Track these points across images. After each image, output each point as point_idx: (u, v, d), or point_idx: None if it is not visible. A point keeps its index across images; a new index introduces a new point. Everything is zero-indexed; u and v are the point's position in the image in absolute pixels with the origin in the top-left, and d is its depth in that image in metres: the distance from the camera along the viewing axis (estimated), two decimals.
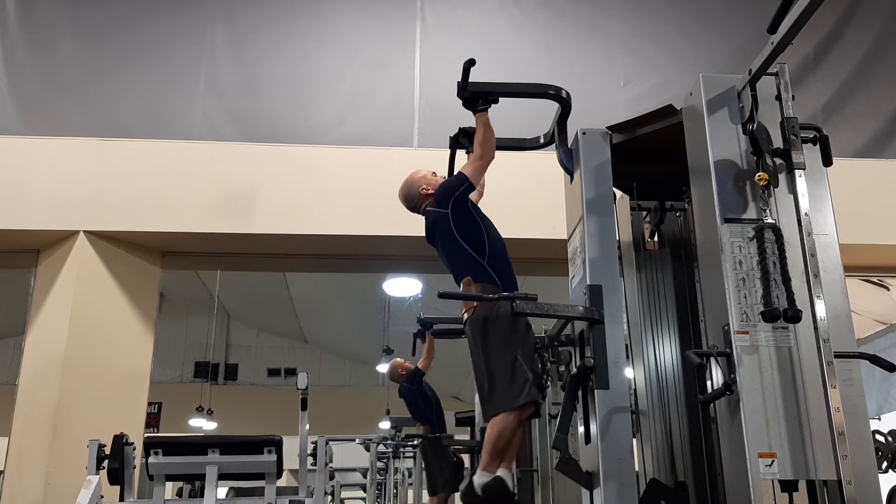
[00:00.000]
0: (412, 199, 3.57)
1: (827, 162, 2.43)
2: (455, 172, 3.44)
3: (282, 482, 4.55)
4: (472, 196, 3.38)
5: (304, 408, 4.40)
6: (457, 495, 5.92)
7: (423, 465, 6.32)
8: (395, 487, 8.91)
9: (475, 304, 3.19)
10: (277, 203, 5.54)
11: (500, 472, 3.06)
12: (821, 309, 2.18)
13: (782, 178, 2.34)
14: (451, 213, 3.26)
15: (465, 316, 3.26)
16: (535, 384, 3.07)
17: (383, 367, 13.10)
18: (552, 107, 3.15)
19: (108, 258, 5.47)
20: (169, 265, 5.89)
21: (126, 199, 5.47)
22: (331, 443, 4.72)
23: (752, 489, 2.05)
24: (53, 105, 5.80)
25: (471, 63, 2.98)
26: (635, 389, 2.73)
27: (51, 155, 5.53)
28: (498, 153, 3.32)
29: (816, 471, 2.10)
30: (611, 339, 2.52)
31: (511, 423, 3.04)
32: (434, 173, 3.57)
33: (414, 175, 3.59)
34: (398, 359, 6.52)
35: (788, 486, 2.14)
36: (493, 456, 3.05)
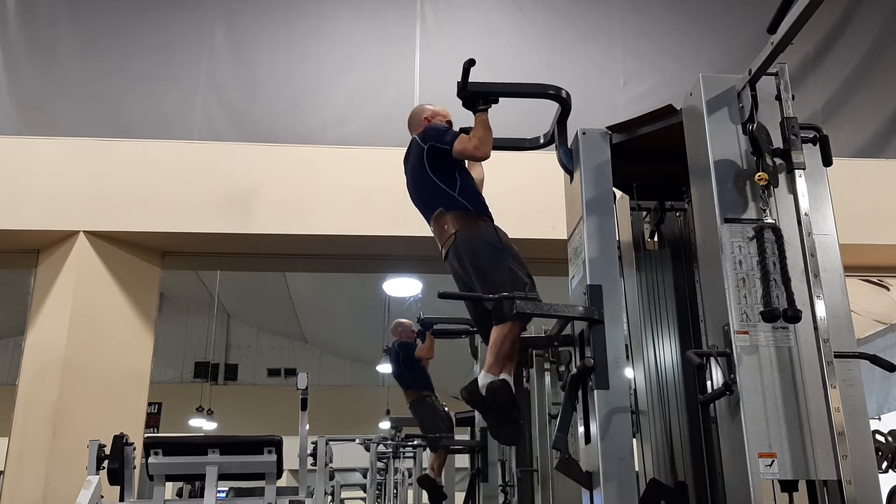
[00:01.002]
0: (414, 121, 3.70)
1: (827, 162, 2.43)
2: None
3: (282, 482, 4.55)
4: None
5: (304, 408, 4.40)
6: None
7: (418, 423, 6.39)
8: (395, 487, 8.91)
9: (454, 231, 3.28)
10: (277, 203, 5.54)
11: (503, 376, 3.10)
12: (821, 309, 2.18)
13: (782, 178, 2.34)
14: (426, 149, 3.38)
15: (444, 248, 3.34)
16: (532, 284, 3.16)
17: (383, 368, 13.10)
18: (552, 107, 3.15)
19: (108, 258, 5.47)
20: (169, 265, 5.89)
21: (126, 199, 5.47)
22: (331, 443, 4.72)
23: (752, 489, 2.05)
24: (53, 105, 5.81)
25: (471, 63, 2.98)
26: (635, 389, 2.73)
27: (50, 155, 5.53)
28: (498, 153, 3.32)
29: (816, 471, 2.10)
30: (611, 339, 2.52)
31: (515, 326, 3.12)
32: (448, 120, 3.64)
33: (427, 105, 3.74)
34: (407, 321, 6.50)
35: (788, 486, 2.13)
36: (497, 358, 3.11)
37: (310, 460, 4.44)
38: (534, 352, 5.04)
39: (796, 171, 2.31)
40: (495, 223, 3.37)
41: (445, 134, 3.38)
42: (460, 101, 3.16)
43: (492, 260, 3.20)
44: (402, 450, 8.37)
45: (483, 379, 3.12)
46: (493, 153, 3.28)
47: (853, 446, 2.08)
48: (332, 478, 8.29)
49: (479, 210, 3.34)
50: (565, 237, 2.94)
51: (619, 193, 3.03)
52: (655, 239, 3.07)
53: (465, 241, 3.26)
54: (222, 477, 3.96)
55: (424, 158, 3.40)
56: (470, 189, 3.39)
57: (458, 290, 3.35)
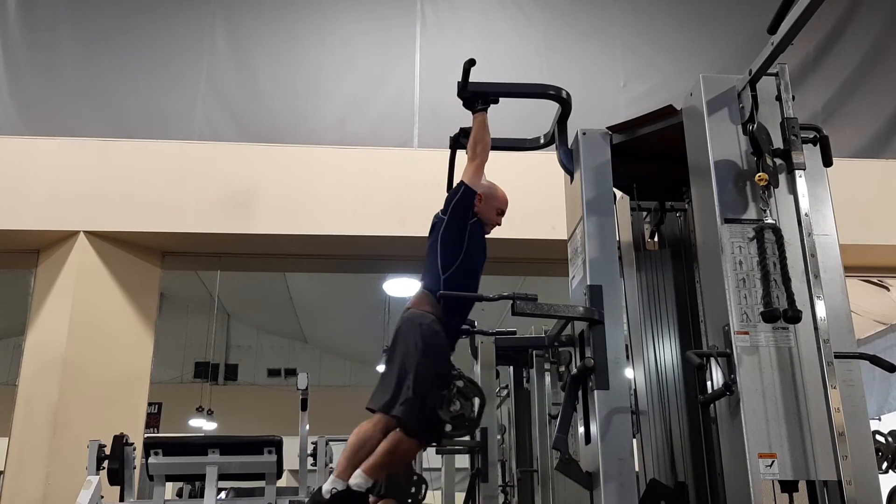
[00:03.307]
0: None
1: (827, 162, 2.43)
2: (454, 172, 3.44)
3: (282, 482, 4.55)
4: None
5: (304, 408, 4.40)
6: None
7: None
8: None
9: (414, 300, 3.26)
10: (277, 203, 5.54)
11: (356, 481, 3.06)
12: (821, 309, 2.18)
13: (782, 178, 2.34)
14: (447, 218, 3.26)
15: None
16: (412, 406, 3.08)
17: (381, 368, 13.07)
18: (552, 107, 3.15)
19: (108, 258, 5.47)
20: (169, 265, 5.89)
21: (126, 199, 5.47)
22: (331, 443, 4.72)
23: (752, 489, 2.05)
24: (53, 105, 5.81)
25: (471, 63, 2.98)
26: (635, 389, 2.73)
27: (51, 155, 5.53)
28: (498, 153, 3.31)
29: (816, 471, 2.10)
30: (611, 339, 2.52)
31: (369, 431, 3.10)
32: (500, 211, 3.48)
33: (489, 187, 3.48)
34: None
35: (788, 487, 2.13)
36: (348, 462, 3.08)
37: (310, 460, 4.44)
38: (534, 352, 5.05)
39: (796, 171, 2.31)
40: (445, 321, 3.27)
41: (454, 190, 3.28)
42: (460, 101, 3.15)
43: (403, 353, 3.18)
44: None
45: (329, 484, 3.07)
46: (494, 153, 3.28)
47: (853, 447, 2.08)
48: None
49: (446, 313, 3.24)
50: (565, 237, 2.94)
51: (619, 193, 3.03)
52: (655, 239, 3.07)
53: (408, 319, 3.24)
54: (222, 477, 3.97)
55: (443, 227, 3.27)
56: (456, 284, 3.23)
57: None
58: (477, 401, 3.37)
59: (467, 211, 3.25)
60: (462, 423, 3.31)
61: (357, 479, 3.05)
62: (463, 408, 3.26)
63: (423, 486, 4.25)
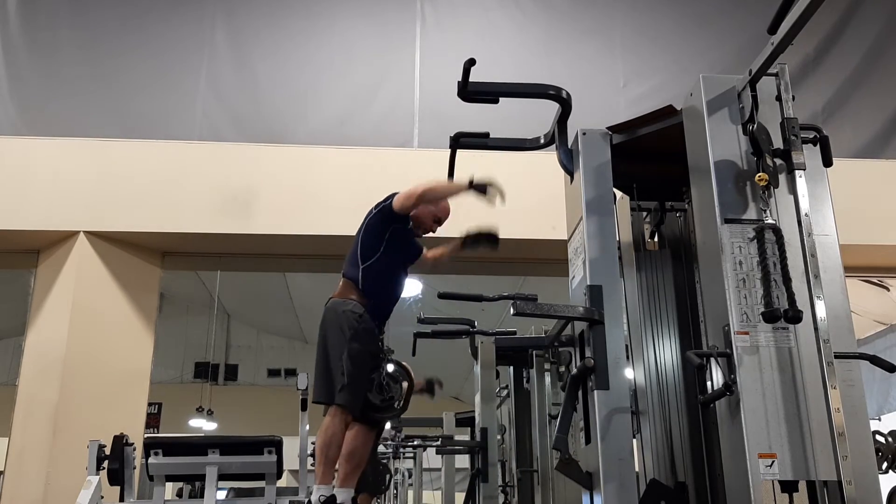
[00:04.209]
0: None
1: (827, 162, 2.43)
2: (454, 172, 3.44)
3: (282, 482, 4.55)
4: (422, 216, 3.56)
5: (304, 408, 4.40)
6: None
7: None
8: (395, 488, 8.91)
9: (336, 291, 3.43)
10: (277, 203, 5.54)
11: (339, 491, 3.15)
12: (821, 309, 2.18)
13: (782, 178, 2.34)
14: (372, 216, 3.52)
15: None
16: (350, 394, 3.20)
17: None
18: (552, 107, 3.15)
19: (108, 258, 5.47)
20: (169, 265, 5.90)
21: (126, 199, 5.47)
22: None
23: (752, 489, 2.05)
24: (54, 105, 5.81)
25: (471, 63, 2.98)
26: (635, 389, 2.73)
27: (51, 155, 5.53)
28: (499, 153, 3.32)
29: (816, 471, 2.10)
30: (611, 339, 2.52)
31: (331, 426, 3.19)
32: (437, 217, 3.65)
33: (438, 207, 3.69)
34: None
35: (788, 487, 2.13)
36: (326, 466, 3.16)
37: (310, 460, 4.43)
38: (534, 352, 5.05)
39: (796, 171, 2.31)
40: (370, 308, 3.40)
41: (386, 200, 3.50)
42: (460, 101, 3.15)
43: (332, 340, 3.30)
44: (402, 450, 8.37)
45: (315, 494, 3.15)
46: (494, 153, 3.28)
47: (853, 447, 2.08)
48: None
49: (368, 294, 3.40)
50: (565, 237, 2.94)
51: (619, 194, 3.03)
52: (655, 239, 3.07)
53: (331, 307, 3.40)
54: (222, 477, 3.97)
55: (366, 220, 3.53)
56: (375, 277, 3.44)
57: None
58: (406, 384, 3.42)
59: (388, 217, 3.47)
60: (390, 406, 3.37)
61: (342, 497, 3.14)
62: (392, 391, 3.33)
63: (388, 476, 4.29)
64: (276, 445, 3.95)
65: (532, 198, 5.12)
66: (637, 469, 2.53)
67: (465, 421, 6.88)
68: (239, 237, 5.55)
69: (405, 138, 5.86)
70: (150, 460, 3.91)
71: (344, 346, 3.25)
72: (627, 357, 2.67)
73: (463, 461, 6.73)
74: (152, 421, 8.67)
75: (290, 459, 4.11)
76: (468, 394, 10.17)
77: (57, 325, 5.28)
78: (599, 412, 2.43)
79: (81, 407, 5.13)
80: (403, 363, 3.56)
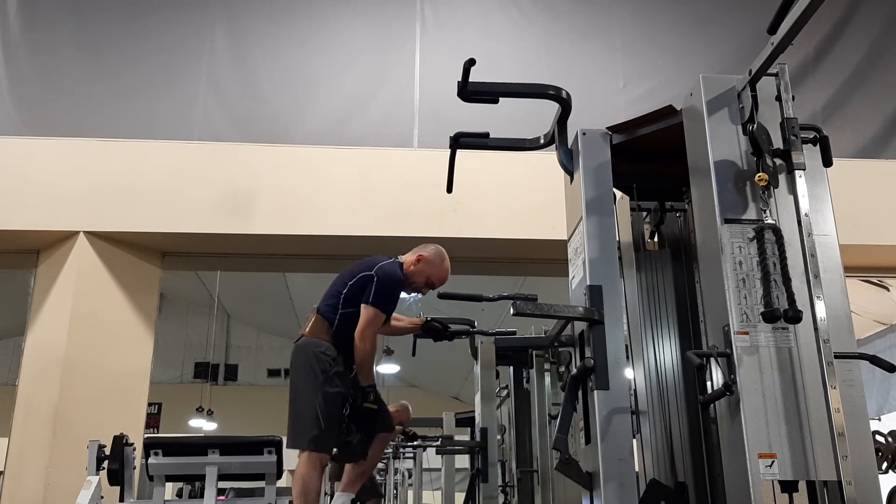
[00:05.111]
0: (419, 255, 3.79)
1: (827, 162, 2.43)
2: (454, 172, 3.44)
3: (282, 483, 4.54)
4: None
5: None
6: None
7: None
8: (395, 488, 8.92)
9: (308, 329, 3.45)
10: (277, 203, 5.54)
11: None
12: (821, 309, 2.18)
13: (782, 178, 2.34)
14: (371, 289, 3.50)
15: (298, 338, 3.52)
16: (325, 438, 3.24)
17: (383, 368, 13.08)
18: (552, 107, 3.15)
19: (108, 258, 5.47)
20: (169, 265, 5.90)
21: (126, 199, 5.47)
22: None
23: (752, 490, 2.05)
24: (53, 105, 5.81)
25: (471, 63, 2.97)
26: (635, 389, 2.73)
27: (50, 155, 5.53)
28: (499, 153, 3.32)
29: (816, 471, 2.10)
30: (611, 339, 2.52)
31: (306, 474, 3.24)
32: (428, 280, 3.73)
33: (439, 255, 3.76)
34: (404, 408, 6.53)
35: (788, 487, 2.13)
36: None
37: None
38: (534, 352, 5.05)
39: (796, 171, 2.31)
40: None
41: (383, 293, 3.50)
42: (460, 101, 3.15)
43: (304, 383, 3.34)
44: (402, 450, 8.37)
45: None
46: (494, 154, 3.29)
47: (853, 447, 2.08)
48: None
49: (336, 339, 3.42)
50: (565, 237, 2.94)
51: (619, 194, 3.03)
52: (655, 239, 3.07)
53: (303, 347, 3.43)
54: (222, 477, 3.96)
55: (356, 277, 3.53)
56: (352, 323, 3.46)
57: None
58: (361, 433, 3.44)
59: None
60: (348, 449, 3.39)
61: None
62: (350, 435, 3.34)
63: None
64: (276, 445, 3.95)
65: (532, 198, 5.13)
66: (637, 469, 2.53)
67: (465, 421, 6.89)
68: (239, 237, 5.55)
69: (405, 138, 5.86)
70: (150, 460, 3.91)
71: (318, 389, 3.27)
72: (627, 357, 2.67)
73: (463, 461, 6.72)
74: (152, 421, 8.68)
75: (290, 459, 4.10)
76: (468, 394, 10.17)
77: (57, 326, 5.28)
78: (599, 412, 2.43)
79: (81, 407, 5.13)
80: (369, 406, 3.51)
